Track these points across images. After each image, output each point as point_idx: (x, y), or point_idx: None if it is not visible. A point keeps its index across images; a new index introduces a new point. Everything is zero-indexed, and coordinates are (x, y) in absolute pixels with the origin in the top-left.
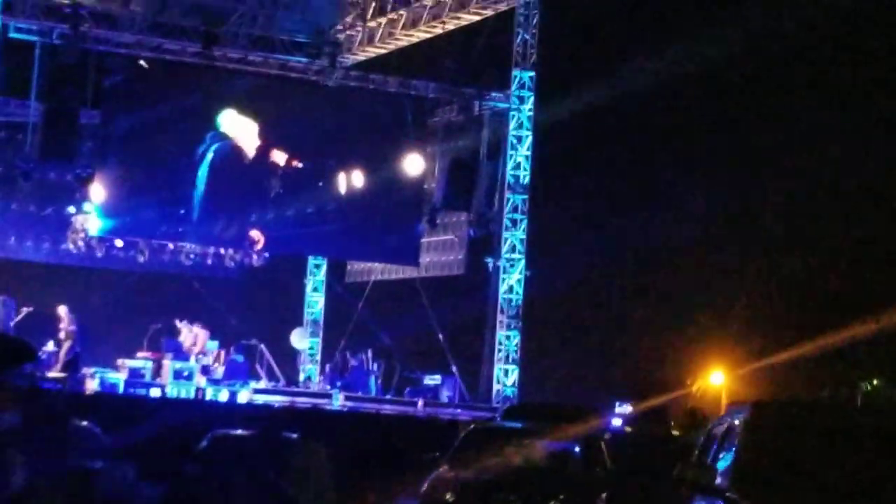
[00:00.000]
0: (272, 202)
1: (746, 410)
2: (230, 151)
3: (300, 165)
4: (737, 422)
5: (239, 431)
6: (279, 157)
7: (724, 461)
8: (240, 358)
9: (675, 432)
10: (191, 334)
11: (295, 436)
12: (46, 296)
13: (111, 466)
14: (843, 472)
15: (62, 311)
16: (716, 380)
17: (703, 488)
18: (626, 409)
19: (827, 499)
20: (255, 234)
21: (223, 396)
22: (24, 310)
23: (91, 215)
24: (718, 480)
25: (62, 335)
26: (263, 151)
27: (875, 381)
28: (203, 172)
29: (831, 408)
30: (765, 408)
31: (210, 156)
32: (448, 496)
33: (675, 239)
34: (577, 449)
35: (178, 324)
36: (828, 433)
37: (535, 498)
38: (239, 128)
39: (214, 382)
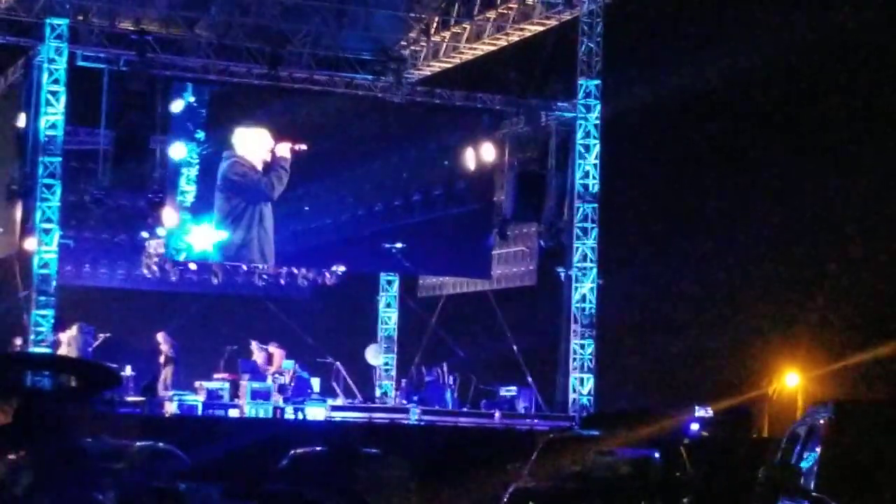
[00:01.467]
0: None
1: (829, 410)
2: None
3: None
4: (820, 422)
5: (318, 449)
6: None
7: (806, 461)
8: (305, 374)
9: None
10: (266, 354)
11: (375, 451)
12: (123, 321)
13: (197, 487)
14: None
15: (161, 336)
16: (791, 381)
17: (789, 489)
18: (706, 412)
19: None
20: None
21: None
22: (102, 336)
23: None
24: (802, 481)
25: (162, 360)
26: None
27: None
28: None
29: None
30: (848, 407)
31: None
32: None
33: (748, 241)
34: (656, 455)
35: (253, 344)
36: None
37: None
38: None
39: (288, 401)
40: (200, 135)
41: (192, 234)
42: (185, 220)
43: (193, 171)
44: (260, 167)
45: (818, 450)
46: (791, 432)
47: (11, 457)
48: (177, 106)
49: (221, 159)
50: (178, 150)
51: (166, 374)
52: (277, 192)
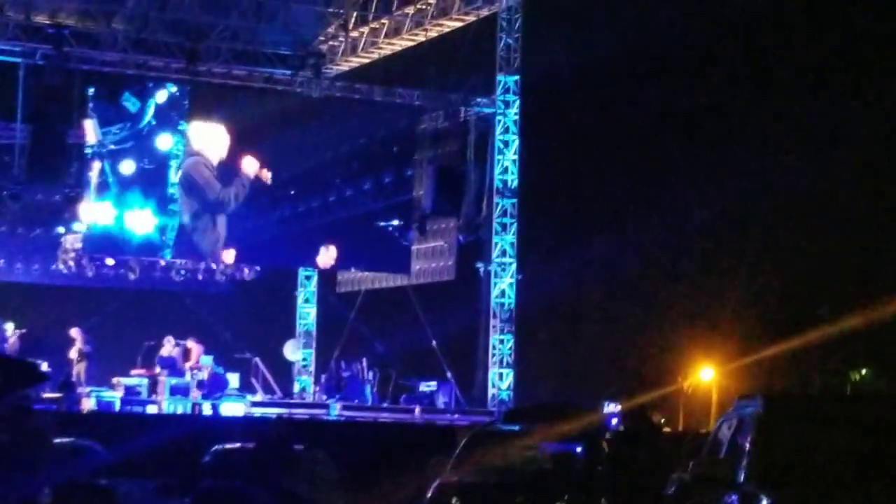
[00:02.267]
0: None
1: (758, 403)
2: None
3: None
4: (748, 415)
5: (239, 445)
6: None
7: (735, 455)
8: (220, 370)
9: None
10: (181, 350)
11: (300, 446)
12: (39, 317)
13: (120, 483)
14: (859, 462)
15: (74, 332)
16: (706, 376)
17: (719, 482)
18: (615, 407)
19: (845, 490)
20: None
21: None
22: (16, 331)
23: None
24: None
25: (74, 355)
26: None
27: (863, 371)
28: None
29: (841, 398)
30: (777, 401)
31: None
32: (453, 500)
33: (664, 239)
34: (578, 449)
35: (171, 340)
36: (842, 424)
37: (540, 499)
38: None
39: (208, 397)
40: (184, 126)
41: (128, 222)
42: (120, 211)
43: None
44: (215, 163)
45: (747, 443)
46: (718, 425)
47: None
48: (161, 97)
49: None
50: (164, 141)
51: (79, 369)
52: (232, 208)
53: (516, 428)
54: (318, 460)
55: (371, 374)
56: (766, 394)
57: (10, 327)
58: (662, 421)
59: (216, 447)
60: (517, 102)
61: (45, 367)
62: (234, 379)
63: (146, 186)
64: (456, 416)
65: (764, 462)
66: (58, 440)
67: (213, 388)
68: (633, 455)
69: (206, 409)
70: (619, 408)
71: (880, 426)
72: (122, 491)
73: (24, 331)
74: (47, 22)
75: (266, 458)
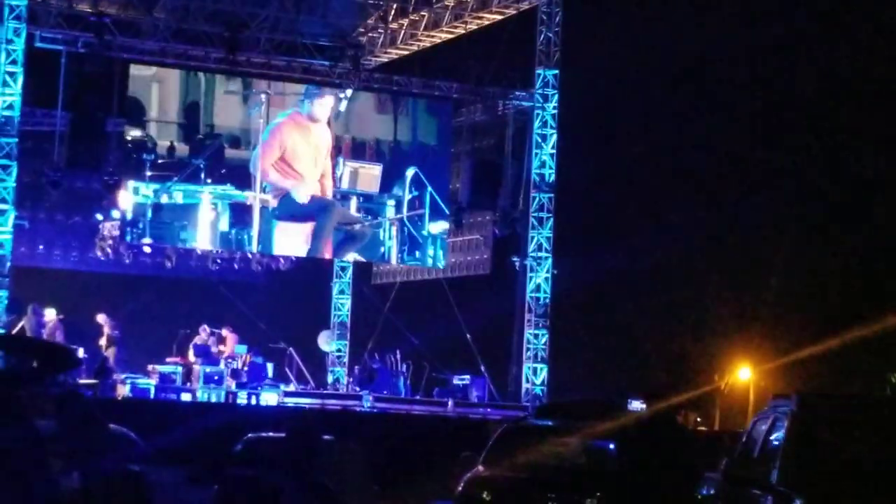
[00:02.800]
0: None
1: (792, 403)
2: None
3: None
4: (782, 415)
5: (271, 434)
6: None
7: (769, 455)
8: (259, 360)
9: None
10: (216, 338)
11: (329, 437)
12: (76, 303)
13: (153, 471)
14: (893, 464)
15: (101, 318)
16: (743, 375)
17: (751, 482)
18: (639, 405)
19: (877, 491)
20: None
21: (251, 400)
22: (56, 317)
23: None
24: (765, 474)
25: (104, 342)
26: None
27: None
28: None
29: (877, 400)
30: (812, 401)
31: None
32: (484, 495)
33: (703, 234)
34: (611, 446)
35: (206, 328)
36: (877, 426)
37: (572, 496)
38: None
39: (243, 386)
40: None
41: None
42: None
43: None
44: None
45: (781, 443)
46: (753, 424)
47: None
48: None
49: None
50: None
51: (109, 355)
52: None
53: (549, 423)
54: (348, 451)
55: (404, 366)
56: (800, 394)
57: (50, 313)
58: (698, 420)
59: (248, 436)
60: (556, 97)
61: (80, 352)
62: (269, 369)
63: None
64: (489, 410)
65: (797, 462)
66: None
67: (252, 377)
68: (653, 457)
69: (242, 398)
70: (643, 406)
71: None
72: (153, 478)
73: (61, 317)
74: (89, 10)
75: (295, 448)
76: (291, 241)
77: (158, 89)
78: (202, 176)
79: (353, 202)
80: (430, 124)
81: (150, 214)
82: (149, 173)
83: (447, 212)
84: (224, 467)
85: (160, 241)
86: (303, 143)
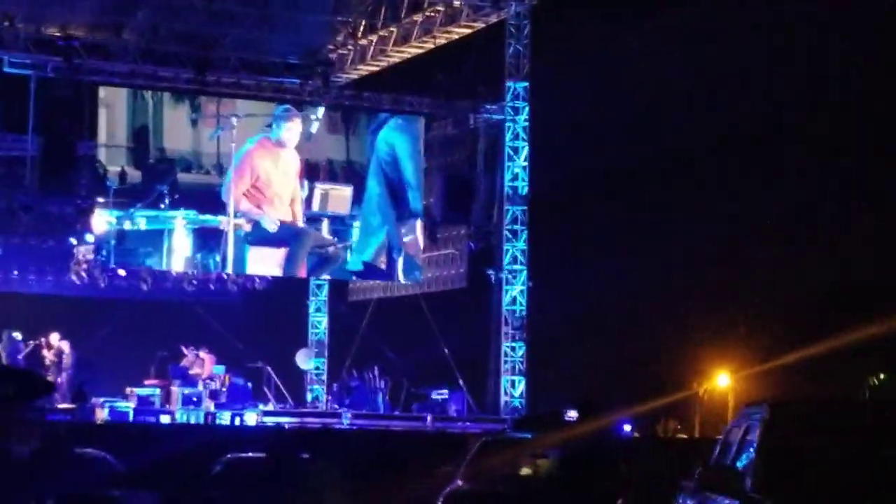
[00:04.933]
0: None
1: (764, 410)
2: None
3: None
4: (755, 422)
5: (250, 454)
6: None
7: (742, 462)
8: (240, 381)
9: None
10: (197, 360)
11: (307, 456)
12: (51, 328)
13: (134, 494)
14: (867, 469)
15: (55, 338)
16: (722, 382)
17: (724, 489)
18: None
19: (851, 498)
20: None
21: (232, 420)
22: (31, 343)
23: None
24: (738, 481)
25: (64, 363)
26: None
27: (882, 376)
28: None
29: (849, 405)
30: (783, 407)
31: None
32: None
33: (679, 242)
34: (589, 456)
35: (183, 350)
36: (849, 431)
37: None
38: None
39: (222, 407)
40: None
41: None
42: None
43: None
44: None
45: (753, 450)
46: (726, 432)
47: None
48: None
49: None
50: None
51: (62, 380)
52: None
53: (526, 436)
54: (326, 469)
55: (383, 382)
56: (771, 400)
57: (54, 338)
58: (678, 427)
59: (227, 456)
60: (527, 109)
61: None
62: (249, 389)
63: None
64: (468, 424)
65: (770, 469)
66: (72, 451)
67: (233, 397)
68: (648, 462)
69: (224, 419)
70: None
71: (888, 432)
72: (131, 502)
73: (37, 342)
74: (58, 34)
75: (274, 467)
76: (265, 264)
77: (106, 114)
78: (167, 201)
79: (325, 224)
80: (399, 140)
81: (113, 241)
82: (106, 200)
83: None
84: (200, 489)
85: (125, 267)
86: (273, 169)
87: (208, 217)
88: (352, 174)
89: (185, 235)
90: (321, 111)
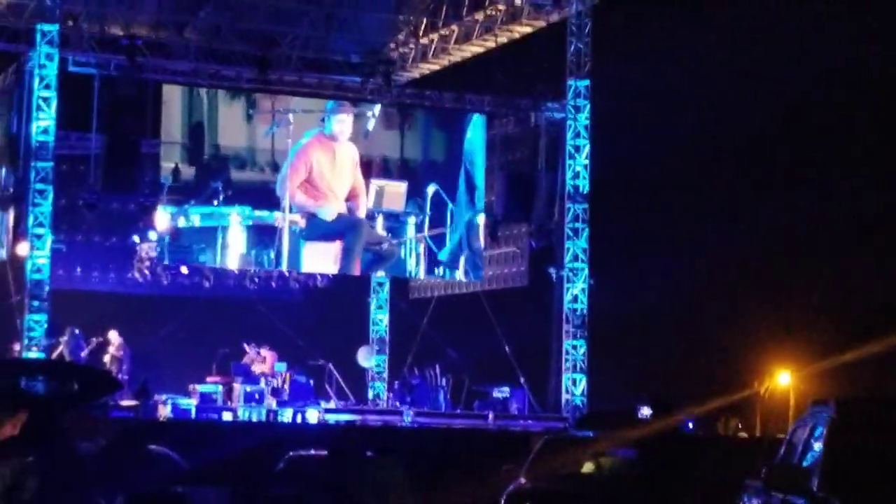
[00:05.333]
0: None
1: (831, 409)
2: None
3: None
4: (822, 420)
5: (312, 452)
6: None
7: (808, 461)
8: (302, 378)
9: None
10: (259, 357)
11: (370, 453)
12: (113, 325)
13: (199, 491)
14: None
15: (113, 335)
16: (783, 380)
17: (790, 489)
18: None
19: None
20: None
21: (294, 418)
22: (94, 340)
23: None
24: (804, 481)
25: (107, 359)
26: None
27: None
28: None
29: None
30: (851, 406)
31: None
32: None
33: (743, 239)
34: (651, 454)
35: (245, 347)
36: None
37: None
38: None
39: (284, 404)
40: None
41: None
42: None
43: None
44: None
45: (820, 449)
46: (792, 431)
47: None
48: None
49: None
50: None
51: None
52: None
53: (588, 434)
54: (389, 467)
55: (444, 380)
56: (839, 398)
57: (114, 335)
58: (739, 426)
59: (290, 454)
60: (588, 107)
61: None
62: (311, 386)
63: None
64: (529, 421)
65: (835, 469)
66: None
67: (296, 395)
68: (710, 460)
69: (286, 416)
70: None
71: None
72: (196, 498)
73: (100, 339)
74: (121, 33)
75: (337, 465)
76: (320, 260)
77: (162, 110)
78: (221, 198)
79: (379, 221)
80: (445, 139)
81: (167, 238)
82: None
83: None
84: (266, 486)
85: (179, 264)
86: (328, 164)
87: (263, 213)
88: (406, 171)
89: (239, 232)
90: (377, 108)
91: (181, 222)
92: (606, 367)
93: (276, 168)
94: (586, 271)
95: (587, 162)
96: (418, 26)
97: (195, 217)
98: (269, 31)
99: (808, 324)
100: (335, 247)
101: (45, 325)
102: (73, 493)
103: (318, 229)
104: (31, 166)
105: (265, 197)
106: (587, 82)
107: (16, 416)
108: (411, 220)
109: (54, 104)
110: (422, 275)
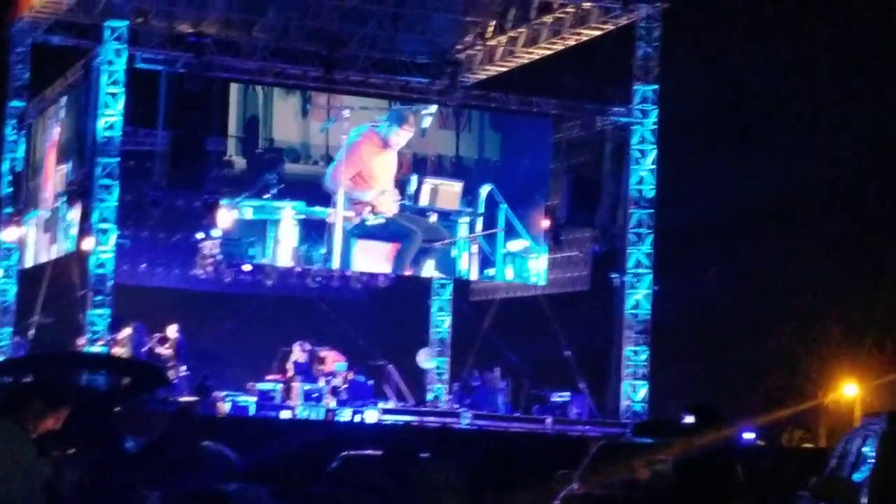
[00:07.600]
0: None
1: (883, 422)
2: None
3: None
4: (873, 433)
5: (368, 452)
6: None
7: (860, 474)
8: (361, 378)
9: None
10: (319, 356)
11: (426, 455)
12: (177, 321)
13: (245, 489)
14: None
15: (171, 331)
16: (849, 391)
17: (839, 502)
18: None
19: None
20: None
21: (352, 418)
22: (156, 335)
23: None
24: (854, 495)
25: (168, 351)
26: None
27: None
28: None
29: None
30: None
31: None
32: None
33: (808, 249)
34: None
35: (306, 346)
36: None
37: None
38: None
39: (343, 404)
40: None
41: None
42: None
43: None
44: None
45: (871, 463)
46: (844, 443)
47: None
48: None
49: None
50: None
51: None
52: None
53: (647, 441)
54: (443, 468)
55: (504, 383)
56: (891, 412)
57: (172, 329)
58: (803, 437)
59: (344, 453)
60: (655, 112)
61: (182, 370)
62: (371, 387)
63: None
64: (588, 427)
65: (887, 483)
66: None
67: (355, 395)
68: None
69: (345, 416)
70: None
71: None
72: (245, 496)
73: (161, 335)
74: (190, 31)
75: (391, 465)
76: (371, 258)
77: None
78: (273, 191)
79: (433, 219)
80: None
81: (221, 232)
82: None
83: (522, 229)
84: (312, 485)
85: (229, 258)
86: (378, 164)
87: (316, 209)
88: (461, 170)
89: (292, 226)
90: (434, 107)
91: (234, 215)
92: (668, 374)
93: (329, 163)
94: (650, 277)
95: (653, 167)
96: (486, 28)
97: (247, 210)
98: (336, 30)
99: (876, 335)
100: (389, 247)
101: (108, 320)
102: (116, 487)
103: (371, 227)
104: (97, 162)
105: (318, 192)
106: (654, 87)
107: (59, 409)
108: (463, 220)
109: (121, 100)
110: (474, 275)
